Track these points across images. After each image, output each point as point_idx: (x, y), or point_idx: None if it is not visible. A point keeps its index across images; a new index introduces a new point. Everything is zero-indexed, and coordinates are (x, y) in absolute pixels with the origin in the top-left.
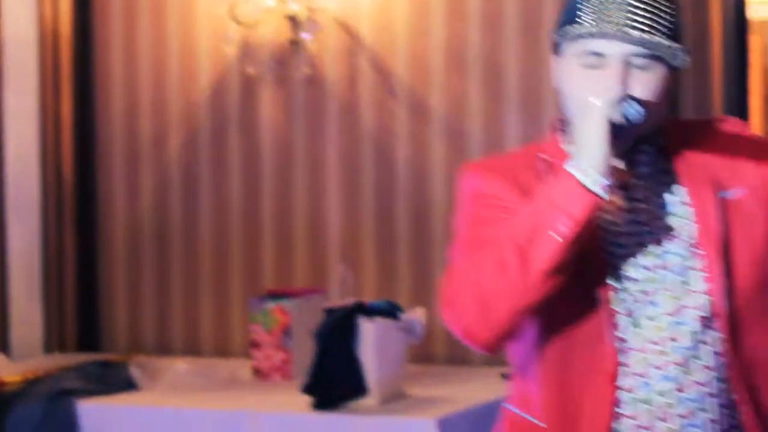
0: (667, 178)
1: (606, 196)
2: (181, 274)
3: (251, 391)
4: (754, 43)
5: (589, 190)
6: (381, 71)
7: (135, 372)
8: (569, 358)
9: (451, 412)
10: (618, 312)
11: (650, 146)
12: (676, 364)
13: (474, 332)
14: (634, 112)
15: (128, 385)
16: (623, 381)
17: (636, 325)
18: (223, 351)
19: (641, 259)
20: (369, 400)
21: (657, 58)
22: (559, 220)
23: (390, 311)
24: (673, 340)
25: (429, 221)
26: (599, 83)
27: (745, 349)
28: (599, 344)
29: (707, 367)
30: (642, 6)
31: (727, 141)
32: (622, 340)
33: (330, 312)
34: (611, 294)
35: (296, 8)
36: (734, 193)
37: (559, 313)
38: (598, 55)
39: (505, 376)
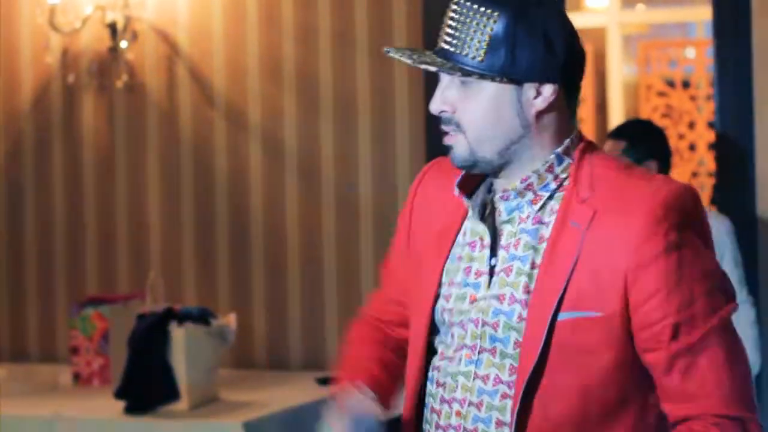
0: (525, 240)
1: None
2: (6, 280)
3: (69, 397)
4: (586, 49)
5: None
6: (199, 80)
7: None
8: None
9: (259, 415)
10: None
11: (525, 193)
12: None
13: None
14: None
15: None
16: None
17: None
18: (48, 356)
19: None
20: (180, 405)
21: (468, 74)
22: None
23: (201, 317)
24: (475, 406)
25: (247, 228)
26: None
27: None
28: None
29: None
30: (446, 22)
31: (616, 240)
32: (439, 384)
33: (141, 318)
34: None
35: (115, 16)
36: (578, 315)
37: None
38: None
39: (320, 381)
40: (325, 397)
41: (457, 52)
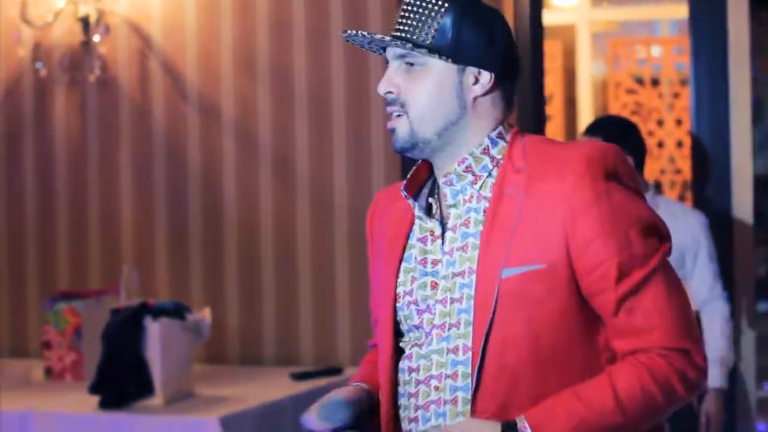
0: (474, 217)
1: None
2: None
3: (41, 391)
4: (555, 47)
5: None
6: (172, 73)
7: None
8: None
9: (235, 410)
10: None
11: (464, 175)
12: (447, 401)
13: None
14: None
15: None
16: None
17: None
18: (19, 351)
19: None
20: (155, 400)
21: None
22: None
23: (176, 311)
24: (450, 377)
25: (221, 222)
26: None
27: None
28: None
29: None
30: (400, 12)
31: (551, 198)
32: (413, 370)
33: (116, 313)
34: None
35: (87, 10)
36: (523, 269)
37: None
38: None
39: (294, 376)
40: (300, 392)
41: (408, 36)
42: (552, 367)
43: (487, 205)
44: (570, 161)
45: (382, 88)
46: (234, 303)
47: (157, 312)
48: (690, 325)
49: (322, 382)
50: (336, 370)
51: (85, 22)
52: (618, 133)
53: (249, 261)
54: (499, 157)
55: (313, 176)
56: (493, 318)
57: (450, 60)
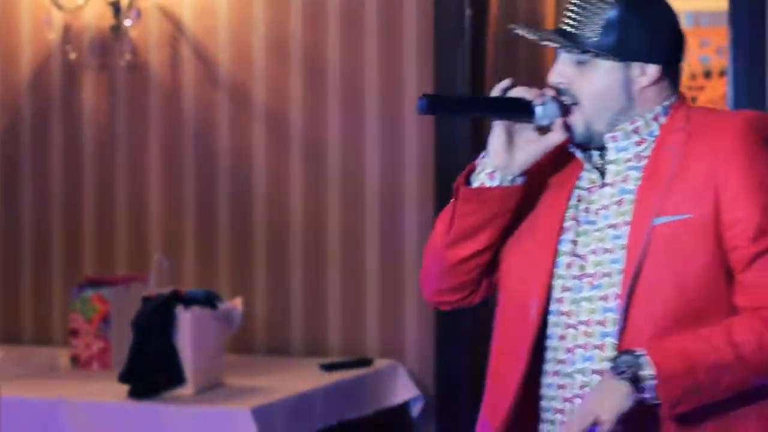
0: (633, 174)
1: (479, 185)
2: (1, 261)
3: (68, 380)
4: None
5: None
6: (203, 59)
7: None
8: (504, 329)
9: (266, 401)
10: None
11: (631, 135)
12: (596, 346)
13: (421, 284)
14: (542, 109)
15: None
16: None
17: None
18: (43, 339)
19: (585, 240)
20: (186, 389)
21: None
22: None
23: (208, 300)
24: (600, 323)
25: (251, 210)
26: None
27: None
28: (527, 314)
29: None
30: (568, 7)
31: (707, 153)
32: (561, 313)
33: (147, 301)
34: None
35: None
36: (673, 218)
37: (504, 287)
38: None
39: (323, 367)
40: (329, 383)
41: (576, 32)
42: (692, 319)
43: (644, 162)
44: (730, 122)
45: (552, 79)
46: (262, 292)
47: (189, 300)
48: None
49: (350, 373)
50: (366, 361)
51: (116, 6)
52: None
53: (278, 250)
54: (664, 122)
55: (344, 165)
56: (641, 264)
57: (617, 59)
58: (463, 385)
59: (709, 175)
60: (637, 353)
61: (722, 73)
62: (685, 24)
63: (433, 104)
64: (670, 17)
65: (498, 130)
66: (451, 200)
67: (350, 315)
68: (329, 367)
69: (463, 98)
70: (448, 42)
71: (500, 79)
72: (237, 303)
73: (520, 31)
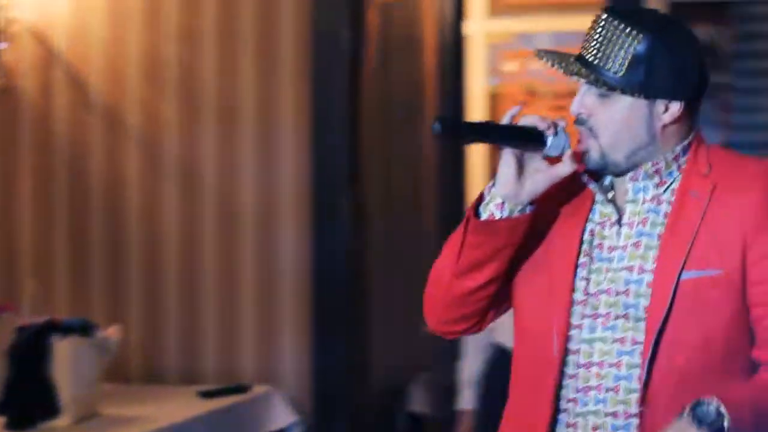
0: (652, 218)
1: (487, 216)
2: None
3: None
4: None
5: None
6: (76, 83)
7: None
8: (523, 367)
9: (146, 430)
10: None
11: (653, 176)
12: (609, 389)
13: (425, 314)
14: (553, 139)
15: None
16: (565, 393)
17: (587, 341)
18: None
19: (606, 278)
20: (62, 420)
21: (606, 86)
22: (464, 225)
23: (84, 328)
24: (615, 366)
25: (124, 235)
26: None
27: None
28: (548, 354)
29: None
30: (592, 36)
31: (735, 208)
32: (572, 352)
33: (21, 330)
34: (568, 309)
35: None
36: (701, 273)
37: (522, 325)
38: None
39: (201, 394)
40: (209, 411)
41: (601, 64)
42: (719, 371)
43: (668, 208)
44: (759, 177)
45: (574, 109)
46: (137, 319)
47: (65, 329)
48: None
49: (228, 400)
50: (244, 388)
51: None
52: None
53: (152, 276)
54: (683, 164)
55: (219, 188)
56: (667, 317)
57: (641, 95)
58: (341, 408)
59: (737, 231)
60: (717, 405)
61: None
62: (548, 43)
63: (445, 128)
64: (696, 52)
65: (508, 158)
66: (459, 228)
67: (226, 341)
68: (208, 395)
69: (477, 124)
70: (326, 62)
71: (380, 99)
72: (112, 331)
73: (545, 59)
